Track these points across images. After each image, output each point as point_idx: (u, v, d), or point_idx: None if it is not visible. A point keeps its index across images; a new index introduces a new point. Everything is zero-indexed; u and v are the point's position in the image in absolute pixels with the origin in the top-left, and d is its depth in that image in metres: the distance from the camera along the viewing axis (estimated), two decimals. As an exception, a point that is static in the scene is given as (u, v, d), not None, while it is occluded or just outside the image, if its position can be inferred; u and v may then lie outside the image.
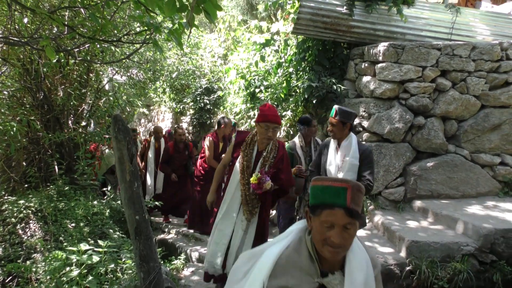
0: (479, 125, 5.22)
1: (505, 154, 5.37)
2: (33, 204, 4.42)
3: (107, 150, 7.30)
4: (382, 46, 5.12)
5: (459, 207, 4.69)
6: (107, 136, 5.82)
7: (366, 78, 5.33)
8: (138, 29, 5.52)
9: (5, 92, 5.56)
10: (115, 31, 4.56)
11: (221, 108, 9.50)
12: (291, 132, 6.26)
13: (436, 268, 3.73)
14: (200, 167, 5.77)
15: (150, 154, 6.99)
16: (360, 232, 4.52)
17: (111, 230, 4.33)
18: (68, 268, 2.94)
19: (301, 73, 6.12)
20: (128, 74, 8.90)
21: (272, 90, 6.49)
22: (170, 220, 6.85)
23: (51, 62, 4.65)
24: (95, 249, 3.16)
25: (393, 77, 5.04)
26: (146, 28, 3.24)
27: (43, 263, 3.25)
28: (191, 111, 10.78)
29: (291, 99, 6.05)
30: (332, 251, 1.30)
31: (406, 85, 5.09)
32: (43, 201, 4.53)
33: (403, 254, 3.96)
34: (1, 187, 5.18)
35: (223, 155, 5.33)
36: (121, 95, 7.95)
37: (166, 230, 6.37)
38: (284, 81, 6.30)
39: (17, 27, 4.35)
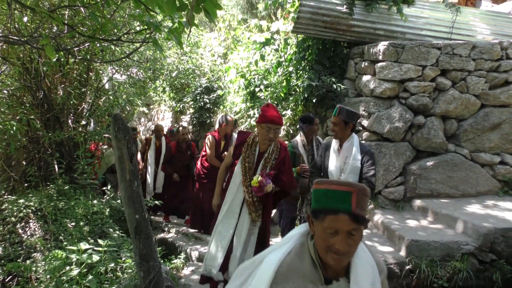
0: (479, 124, 5.22)
1: (505, 153, 5.38)
2: (33, 203, 4.42)
3: (106, 148, 7.30)
4: (382, 45, 5.12)
5: (458, 206, 4.69)
6: (107, 135, 5.82)
7: (366, 77, 5.33)
8: (138, 28, 5.52)
9: (5, 91, 5.55)
10: (115, 30, 4.56)
11: (221, 107, 9.50)
12: (291, 131, 6.26)
13: (436, 267, 3.74)
14: (202, 166, 5.73)
15: (151, 153, 6.95)
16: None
17: (111, 229, 4.33)
18: (68, 267, 2.94)
19: (301, 72, 6.11)
20: (128, 73, 8.91)
21: (272, 89, 6.49)
22: (170, 219, 6.84)
23: (51, 61, 4.65)
24: (95, 248, 3.16)
25: (393, 76, 5.04)
26: (146, 27, 3.23)
27: (43, 262, 3.25)
28: (191, 110, 10.78)
29: (291, 98, 6.05)
30: (336, 258, 1.24)
31: (406, 84, 5.09)
32: (43, 200, 4.53)
33: (403, 253, 3.97)
34: (1, 186, 5.18)
35: (224, 153, 5.34)
36: (121, 94, 7.95)
37: (166, 229, 6.37)
38: (284, 80, 6.30)
39: (17, 26, 4.35)
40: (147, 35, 3.58)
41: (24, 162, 5.69)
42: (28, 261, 3.59)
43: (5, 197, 4.81)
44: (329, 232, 1.23)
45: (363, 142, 5.07)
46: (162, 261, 4.01)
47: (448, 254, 3.83)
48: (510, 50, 5.25)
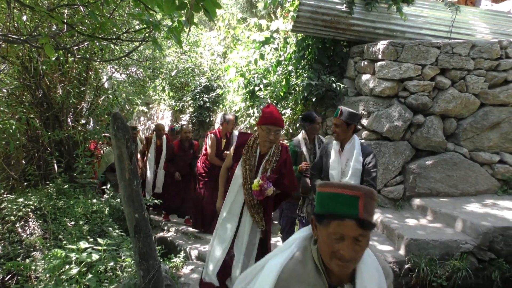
0: (478, 124, 5.22)
1: (504, 152, 5.38)
2: (32, 202, 4.42)
3: (106, 148, 7.29)
4: (381, 44, 5.12)
5: (458, 205, 4.70)
6: (106, 134, 5.82)
7: (365, 76, 5.33)
8: (137, 27, 5.51)
9: (4, 90, 5.55)
10: (115, 29, 4.56)
11: (221, 106, 9.49)
12: (290, 131, 6.26)
13: (435, 266, 3.75)
14: (203, 164, 5.72)
15: (151, 152, 6.92)
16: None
17: (110, 228, 4.33)
18: (67, 266, 2.94)
19: (300, 71, 6.11)
20: (128, 72, 8.90)
21: (272, 88, 6.48)
22: (170, 218, 6.84)
23: (50, 60, 4.64)
24: (95, 247, 3.16)
25: (392, 75, 5.04)
26: (145, 26, 3.22)
27: (43, 261, 3.25)
28: (191, 109, 10.77)
29: (290, 97, 6.05)
30: (341, 265, 1.18)
31: (406, 83, 5.09)
32: (42, 199, 4.53)
33: (402, 252, 3.97)
34: (0, 185, 5.17)
35: (225, 152, 5.33)
36: (121, 93, 7.96)
37: (166, 228, 6.37)
38: (284, 79, 6.30)
39: (16, 24, 4.34)
40: (147, 34, 3.58)
41: (23, 161, 5.69)
42: (27, 260, 3.59)
43: (5, 196, 4.81)
44: (334, 238, 1.18)
45: (363, 141, 5.08)
46: (161, 260, 4.01)
47: (447, 253, 3.84)
48: (510, 49, 5.25)
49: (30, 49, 4.96)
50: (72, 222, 4.22)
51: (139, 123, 15.33)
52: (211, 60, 10.87)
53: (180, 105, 11.13)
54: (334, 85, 5.33)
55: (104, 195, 5.51)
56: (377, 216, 4.74)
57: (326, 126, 5.59)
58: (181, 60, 10.50)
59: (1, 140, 4.83)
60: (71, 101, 5.64)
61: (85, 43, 4.28)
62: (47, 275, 2.95)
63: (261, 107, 6.43)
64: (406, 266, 3.83)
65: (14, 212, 4.22)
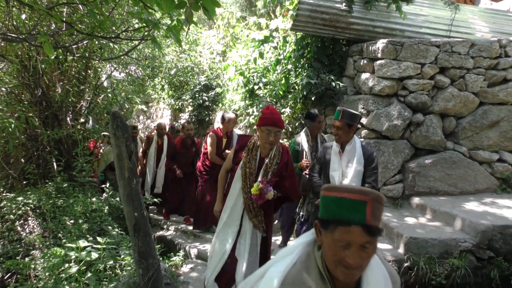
0: (477, 122, 5.23)
1: (503, 151, 5.39)
2: (31, 201, 4.42)
3: (106, 147, 7.28)
4: (381, 43, 5.12)
5: (457, 204, 4.71)
6: (106, 133, 5.82)
7: (365, 75, 5.33)
8: (136, 26, 5.51)
9: (3, 89, 5.54)
10: (114, 28, 4.56)
11: (220, 105, 9.49)
12: (290, 129, 6.26)
13: (434, 264, 3.75)
14: (203, 163, 5.71)
15: (151, 151, 6.86)
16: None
17: (110, 227, 4.34)
18: (67, 265, 2.95)
19: (300, 70, 6.11)
20: (127, 70, 8.91)
21: (271, 87, 6.48)
22: (169, 217, 6.83)
23: (49, 59, 4.62)
24: (94, 245, 3.16)
25: (392, 74, 5.04)
26: (144, 24, 3.22)
27: (42, 259, 3.25)
28: (190, 108, 10.76)
29: (289, 96, 6.05)
30: (347, 273, 1.12)
31: (405, 82, 5.09)
32: (41, 198, 4.53)
33: (401, 250, 3.98)
34: (-1, 184, 5.18)
35: (226, 151, 5.32)
36: (120, 92, 7.96)
37: (165, 226, 6.38)
38: (283, 78, 6.29)
39: (15, 23, 4.34)
40: (146, 33, 3.57)
41: (22, 160, 5.69)
42: (27, 259, 3.60)
43: (4, 194, 4.81)
44: (340, 245, 1.11)
45: (362, 140, 5.09)
46: (161, 259, 4.02)
47: (446, 252, 3.84)
48: (509, 48, 5.25)
49: (29, 47, 4.95)
50: (72, 221, 4.22)
51: (139, 122, 15.32)
52: (211, 59, 10.87)
53: (180, 104, 11.12)
54: (333, 83, 5.33)
55: (104, 194, 5.52)
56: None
57: (325, 125, 5.60)
58: (180, 59, 10.50)
59: (0, 139, 4.83)
60: (70, 99, 5.64)
61: (84, 42, 4.28)
62: (47, 274, 2.96)
63: (261, 106, 6.43)
64: (405, 264, 3.83)
65: (14, 211, 4.23)
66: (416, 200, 4.99)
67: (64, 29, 3.54)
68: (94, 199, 4.95)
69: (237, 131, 6.49)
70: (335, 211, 1.13)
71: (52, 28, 4.69)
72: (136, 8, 3.56)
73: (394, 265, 3.84)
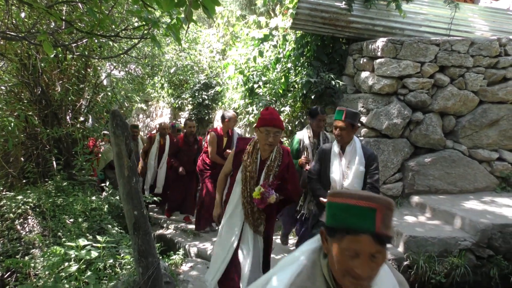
0: (477, 121, 5.23)
1: (503, 149, 5.39)
2: (31, 199, 4.42)
3: (104, 144, 7.28)
4: (380, 42, 5.11)
5: (456, 203, 4.71)
6: (106, 132, 5.82)
7: (364, 74, 5.33)
8: (136, 24, 5.50)
9: (3, 87, 5.54)
10: (113, 26, 4.55)
11: (220, 103, 9.49)
12: (290, 128, 6.26)
13: (434, 263, 3.76)
14: (203, 162, 5.67)
15: (153, 151, 6.82)
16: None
17: (109, 226, 4.34)
18: (66, 264, 2.95)
19: (299, 68, 6.11)
20: (126, 69, 8.89)
21: (271, 85, 6.48)
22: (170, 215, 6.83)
23: (49, 57, 4.63)
24: (94, 244, 3.16)
25: (391, 73, 5.04)
26: (144, 23, 3.22)
27: (42, 258, 3.25)
28: (190, 107, 10.76)
29: (289, 95, 6.04)
30: (356, 283, 1.07)
31: (405, 80, 5.09)
32: (41, 196, 4.53)
33: (400, 249, 3.98)
34: (-1, 183, 5.18)
35: (227, 151, 5.31)
36: (119, 91, 7.95)
37: (165, 225, 6.38)
38: (283, 77, 6.29)
39: (14, 21, 4.33)
40: (145, 31, 3.57)
41: (22, 159, 5.70)
42: (26, 257, 3.60)
43: (4, 193, 4.82)
44: (348, 254, 1.06)
45: (361, 139, 5.09)
46: (160, 257, 4.02)
47: (446, 250, 3.85)
48: (509, 47, 5.25)
49: (28, 46, 4.95)
50: (71, 220, 4.22)
51: (138, 121, 15.32)
52: (210, 57, 10.86)
53: (179, 102, 11.12)
54: (333, 82, 5.33)
55: (103, 193, 5.52)
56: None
57: (325, 124, 5.59)
58: (180, 57, 10.49)
59: (0, 138, 4.82)
60: (70, 98, 5.64)
61: (84, 40, 4.27)
62: (46, 272, 2.96)
63: (260, 104, 6.43)
64: (405, 263, 3.84)
65: (13, 210, 4.23)
66: (415, 198, 5.00)
67: (63, 27, 3.54)
68: (93, 197, 4.95)
69: (238, 130, 6.49)
70: (343, 218, 1.08)
71: (52, 26, 4.68)
72: (135, 6, 3.55)
73: (394, 263, 3.85)
